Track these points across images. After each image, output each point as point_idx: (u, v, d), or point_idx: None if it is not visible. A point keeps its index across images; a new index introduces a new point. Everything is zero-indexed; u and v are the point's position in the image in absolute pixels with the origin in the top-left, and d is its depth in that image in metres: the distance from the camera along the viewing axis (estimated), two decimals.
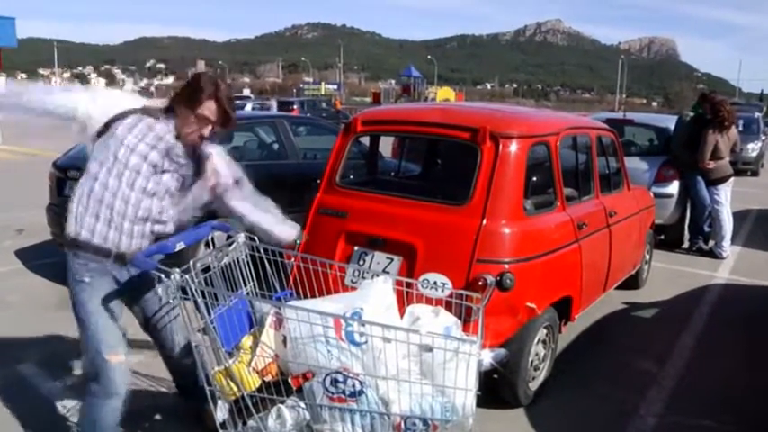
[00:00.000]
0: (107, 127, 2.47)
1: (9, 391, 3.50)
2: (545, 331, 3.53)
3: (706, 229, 7.22)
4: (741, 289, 5.96)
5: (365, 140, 4.64)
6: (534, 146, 3.51)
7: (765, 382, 3.98)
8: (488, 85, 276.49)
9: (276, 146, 6.34)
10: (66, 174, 5.41)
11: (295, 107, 28.09)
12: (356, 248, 3.50)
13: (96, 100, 2.54)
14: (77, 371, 3.71)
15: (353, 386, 2.20)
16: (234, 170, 2.79)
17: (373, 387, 2.23)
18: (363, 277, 3.25)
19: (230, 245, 2.57)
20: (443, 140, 4.17)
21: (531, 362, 3.43)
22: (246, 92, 59.66)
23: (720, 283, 6.07)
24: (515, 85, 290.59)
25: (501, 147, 3.30)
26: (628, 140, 7.96)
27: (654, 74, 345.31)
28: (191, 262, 2.22)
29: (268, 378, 2.33)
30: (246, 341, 2.42)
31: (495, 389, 3.31)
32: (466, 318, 2.65)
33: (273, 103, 32.39)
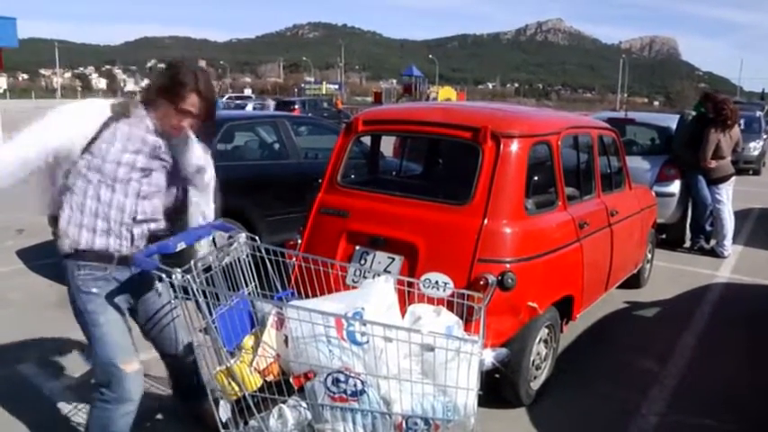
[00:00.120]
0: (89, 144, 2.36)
1: (10, 391, 3.50)
2: (546, 331, 3.53)
3: (707, 228, 7.21)
4: (743, 288, 5.95)
5: (366, 140, 4.63)
6: (535, 145, 3.51)
7: (767, 381, 3.97)
8: (490, 85, 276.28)
9: (277, 145, 6.34)
10: None
11: (296, 107, 28.09)
12: (357, 248, 3.50)
13: (47, 130, 2.35)
14: (79, 371, 3.72)
15: (355, 386, 2.20)
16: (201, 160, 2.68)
17: (375, 387, 2.23)
18: (365, 277, 3.25)
19: (231, 244, 2.57)
20: (445, 140, 4.17)
21: (533, 361, 3.43)
22: (248, 92, 59.69)
23: (722, 282, 6.07)
24: (516, 85, 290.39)
25: (502, 146, 3.30)
26: (629, 140, 7.95)
27: (655, 73, 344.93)
28: (192, 262, 2.22)
29: (270, 378, 2.33)
30: (248, 341, 2.42)
31: (497, 388, 3.31)
32: (467, 317, 2.65)
33: (271, 103, 32.44)
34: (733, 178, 7.10)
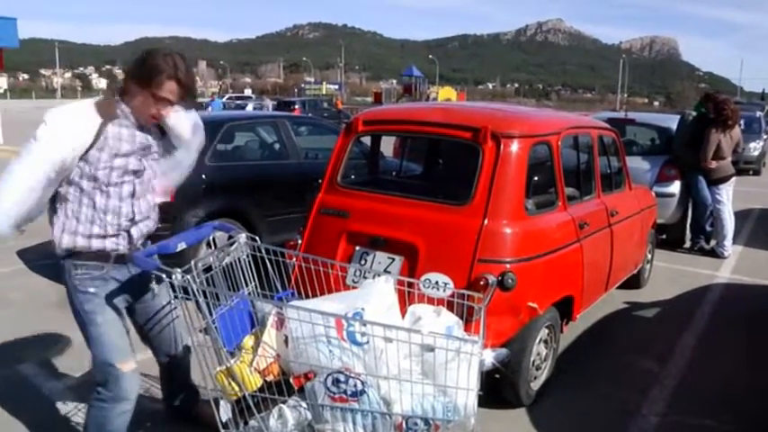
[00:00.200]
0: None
1: (10, 391, 3.50)
2: (546, 331, 3.53)
3: (708, 228, 7.21)
4: (743, 288, 5.95)
5: (366, 140, 4.64)
6: (536, 145, 3.51)
7: (767, 381, 3.97)
8: (490, 85, 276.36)
9: (277, 146, 6.35)
10: None
11: (296, 107, 28.09)
12: (358, 248, 3.50)
13: (46, 154, 2.25)
14: (78, 371, 3.72)
15: (355, 386, 2.20)
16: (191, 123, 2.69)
17: (375, 387, 2.23)
18: (365, 277, 3.25)
19: (231, 245, 2.57)
20: (445, 140, 4.17)
21: (533, 361, 3.43)
22: (248, 92, 59.68)
23: (722, 283, 6.06)
24: (517, 85, 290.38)
25: (502, 146, 3.30)
26: (629, 140, 7.95)
27: (655, 73, 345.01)
28: (192, 262, 2.22)
29: (270, 378, 2.33)
30: (248, 341, 2.42)
31: (497, 389, 3.31)
32: (467, 317, 2.65)
33: (269, 104, 32.44)
34: (733, 179, 7.10)
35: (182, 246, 2.32)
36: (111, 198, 2.41)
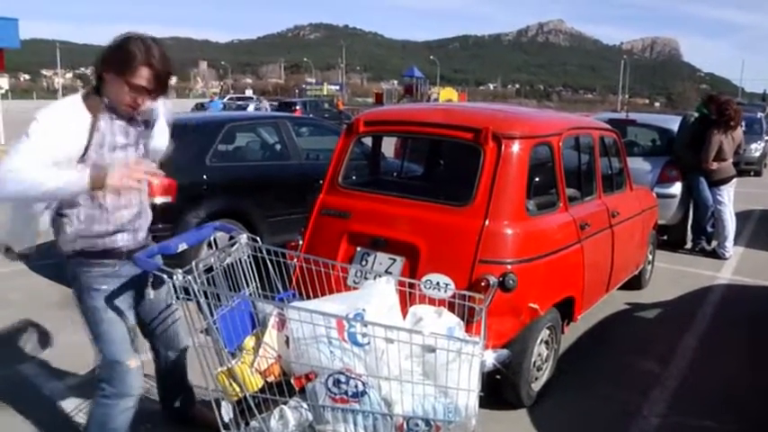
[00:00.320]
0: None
1: (10, 391, 3.50)
2: (548, 332, 3.53)
3: (709, 229, 7.20)
4: (744, 289, 5.95)
5: (368, 141, 4.64)
6: (537, 146, 3.51)
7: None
8: (491, 86, 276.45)
9: (279, 146, 6.35)
10: None
11: (297, 108, 28.08)
12: (359, 249, 3.50)
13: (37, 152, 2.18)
14: (79, 371, 3.72)
15: (356, 387, 2.19)
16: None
17: (376, 388, 2.22)
18: (366, 278, 3.25)
19: (233, 245, 2.57)
20: (446, 141, 4.17)
21: (534, 362, 3.43)
22: (249, 92, 59.70)
23: (723, 284, 6.06)
24: (518, 86, 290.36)
25: (503, 147, 3.30)
26: (630, 141, 7.96)
27: (656, 74, 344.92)
28: (193, 263, 2.22)
29: (271, 379, 2.33)
30: (249, 342, 2.41)
31: (498, 390, 3.31)
32: (468, 318, 2.65)
33: (266, 105, 32.36)
34: (734, 180, 7.10)
35: (183, 246, 2.32)
36: (125, 194, 2.41)
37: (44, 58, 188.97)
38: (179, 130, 5.63)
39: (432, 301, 2.72)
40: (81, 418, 3.21)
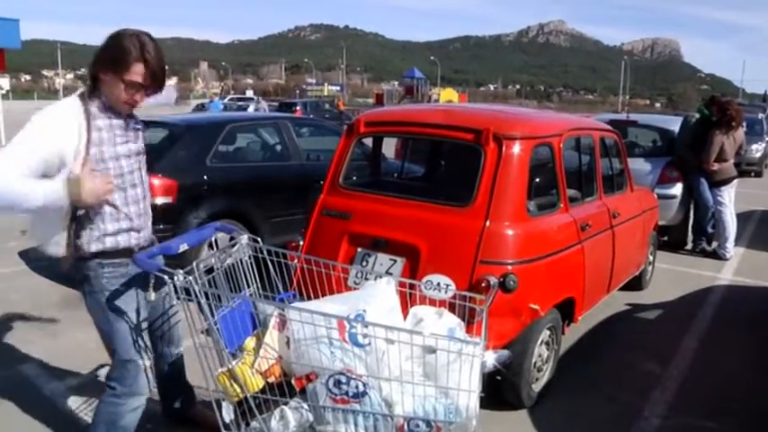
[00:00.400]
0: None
1: (11, 392, 3.50)
2: (548, 333, 3.53)
3: (709, 230, 7.20)
4: (745, 290, 5.94)
5: (368, 142, 4.64)
6: (537, 147, 3.51)
7: None
8: (491, 87, 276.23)
9: (279, 147, 6.36)
10: None
11: (298, 108, 28.09)
12: (359, 250, 3.50)
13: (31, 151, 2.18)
14: (80, 371, 3.73)
15: (357, 387, 2.19)
16: None
17: (376, 388, 2.22)
18: (366, 279, 3.25)
19: (233, 246, 2.57)
20: (446, 142, 4.17)
21: (535, 363, 3.43)
22: (249, 93, 59.69)
23: (724, 285, 6.06)
24: (518, 87, 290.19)
25: (504, 148, 3.30)
26: (631, 141, 7.96)
27: (657, 75, 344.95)
28: (194, 263, 2.22)
29: (271, 379, 2.33)
30: (250, 342, 2.42)
31: (499, 390, 3.31)
32: (469, 319, 2.65)
33: (264, 105, 32.31)
34: (735, 181, 7.10)
35: (184, 247, 2.32)
36: (129, 190, 2.43)
37: (45, 59, 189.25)
38: (180, 130, 5.68)
39: (432, 302, 2.72)
40: (82, 418, 3.22)
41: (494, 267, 3.10)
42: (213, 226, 2.71)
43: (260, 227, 5.50)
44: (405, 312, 2.55)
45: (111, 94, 2.33)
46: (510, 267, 3.13)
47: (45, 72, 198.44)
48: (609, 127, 4.85)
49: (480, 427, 2.35)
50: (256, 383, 2.29)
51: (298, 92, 73.48)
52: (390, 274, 3.24)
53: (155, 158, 4.59)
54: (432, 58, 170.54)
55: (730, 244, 7.02)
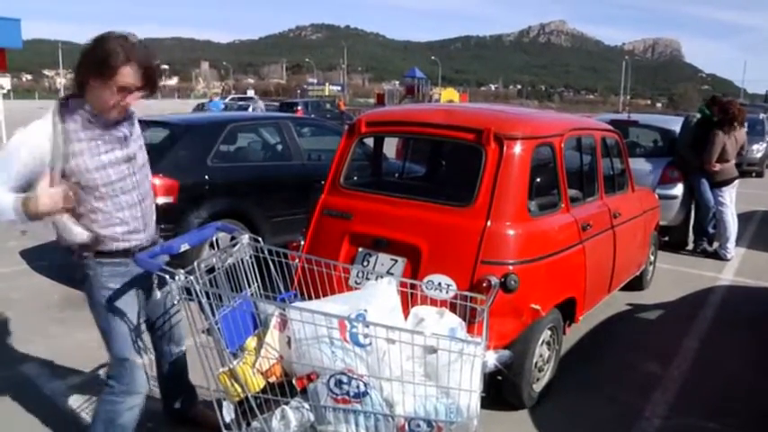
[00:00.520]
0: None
1: (11, 391, 3.50)
2: (549, 333, 3.52)
3: (710, 230, 7.20)
4: (746, 290, 5.94)
5: (369, 142, 4.64)
6: (538, 147, 3.51)
7: None
8: (492, 87, 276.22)
9: (280, 147, 6.36)
10: None
11: (299, 108, 28.09)
12: (360, 250, 3.50)
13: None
14: (81, 371, 3.73)
15: (358, 387, 2.19)
16: None
17: (378, 388, 2.22)
18: (367, 278, 3.25)
19: (234, 246, 2.58)
20: (447, 142, 4.17)
21: (536, 363, 3.42)
22: (250, 93, 59.71)
23: (725, 285, 6.05)
24: (519, 87, 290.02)
25: (505, 148, 3.30)
26: (632, 142, 7.96)
27: (658, 75, 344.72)
28: (195, 263, 2.22)
29: (272, 379, 2.33)
30: (251, 342, 2.42)
31: (500, 390, 3.31)
32: (470, 319, 2.65)
33: (261, 105, 32.30)
34: (736, 181, 7.09)
35: (185, 247, 2.33)
36: (121, 196, 2.42)
37: (46, 59, 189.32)
38: (181, 130, 5.69)
39: (433, 302, 2.72)
40: (82, 418, 3.22)
41: (495, 267, 3.10)
42: (214, 226, 2.72)
43: (261, 227, 5.50)
44: (406, 312, 2.55)
45: (98, 99, 2.28)
46: (511, 267, 3.13)
47: (46, 72, 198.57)
48: (610, 127, 4.85)
49: (481, 427, 2.35)
50: (257, 383, 2.29)
51: (299, 92, 73.49)
52: (391, 273, 3.24)
53: (156, 158, 4.57)
54: (433, 57, 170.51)
55: (731, 244, 7.01)
